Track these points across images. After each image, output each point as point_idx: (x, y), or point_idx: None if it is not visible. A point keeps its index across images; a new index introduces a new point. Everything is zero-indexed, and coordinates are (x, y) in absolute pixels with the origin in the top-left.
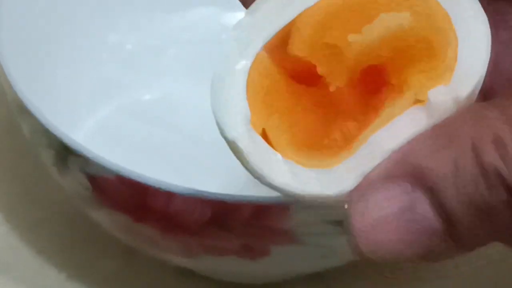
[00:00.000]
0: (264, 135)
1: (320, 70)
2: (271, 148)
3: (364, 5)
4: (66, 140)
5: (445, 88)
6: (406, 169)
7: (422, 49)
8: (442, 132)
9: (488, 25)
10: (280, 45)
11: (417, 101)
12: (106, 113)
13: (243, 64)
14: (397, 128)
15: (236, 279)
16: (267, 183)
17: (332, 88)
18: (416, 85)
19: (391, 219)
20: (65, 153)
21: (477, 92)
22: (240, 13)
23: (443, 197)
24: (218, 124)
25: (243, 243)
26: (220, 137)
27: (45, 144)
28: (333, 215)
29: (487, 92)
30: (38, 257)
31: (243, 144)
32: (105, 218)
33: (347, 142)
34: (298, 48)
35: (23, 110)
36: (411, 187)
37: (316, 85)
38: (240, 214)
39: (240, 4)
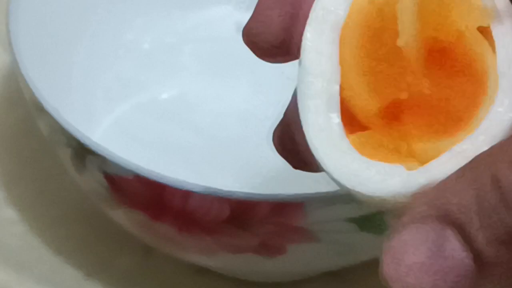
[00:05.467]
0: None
1: None
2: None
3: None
4: (84, 140)
5: None
6: (434, 209)
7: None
8: (466, 169)
9: None
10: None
11: None
12: (123, 111)
13: (335, 119)
14: None
15: (252, 277)
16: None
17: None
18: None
19: (421, 264)
20: (83, 152)
21: None
22: None
23: (469, 230)
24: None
25: (260, 241)
26: (237, 135)
27: (63, 143)
28: (349, 212)
29: None
30: (56, 256)
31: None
32: (123, 217)
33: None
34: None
35: (41, 110)
36: (440, 225)
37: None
38: (257, 212)
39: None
